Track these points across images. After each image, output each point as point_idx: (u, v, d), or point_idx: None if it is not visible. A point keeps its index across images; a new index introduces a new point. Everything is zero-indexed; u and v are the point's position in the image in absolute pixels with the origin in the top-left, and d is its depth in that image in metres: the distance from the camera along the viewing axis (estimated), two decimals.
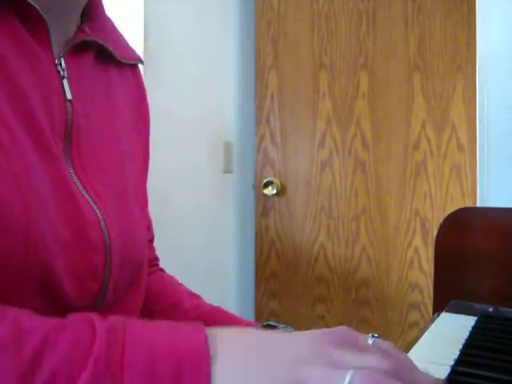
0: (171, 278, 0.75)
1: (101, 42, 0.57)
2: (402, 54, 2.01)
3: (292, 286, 2.15)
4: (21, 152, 0.45)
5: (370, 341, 0.53)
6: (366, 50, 2.06)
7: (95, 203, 0.51)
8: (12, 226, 0.42)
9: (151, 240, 0.74)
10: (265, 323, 0.64)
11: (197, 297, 0.71)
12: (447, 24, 1.95)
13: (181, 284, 0.74)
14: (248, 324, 0.65)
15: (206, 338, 0.38)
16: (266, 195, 2.16)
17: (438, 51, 1.97)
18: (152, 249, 0.75)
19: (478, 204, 1.88)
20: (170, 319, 0.66)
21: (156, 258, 0.76)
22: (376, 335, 0.54)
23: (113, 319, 0.39)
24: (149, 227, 0.71)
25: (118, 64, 0.63)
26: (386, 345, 0.53)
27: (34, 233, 0.44)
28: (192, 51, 2.00)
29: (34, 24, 0.49)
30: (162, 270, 0.76)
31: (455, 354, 0.67)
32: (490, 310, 0.88)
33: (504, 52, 1.79)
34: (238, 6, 2.27)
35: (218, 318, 0.67)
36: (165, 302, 0.68)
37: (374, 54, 2.05)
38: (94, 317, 0.39)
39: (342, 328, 0.55)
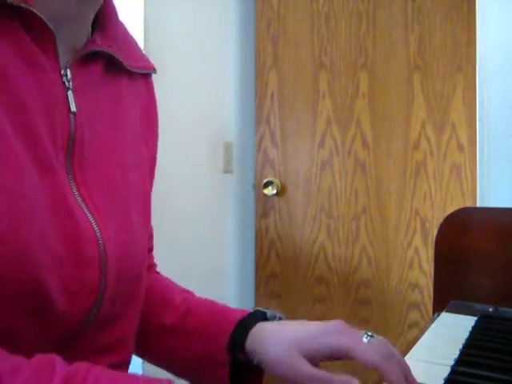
0: (164, 278, 0.75)
1: (111, 52, 0.56)
2: (401, 54, 2.01)
3: (292, 286, 2.15)
4: (16, 165, 0.44)
5: (365, 340, 0.54)
6: (366, 49, 2.06)
7: (94, 217, 0.51)
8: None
9: (150, 250, 0.74)
10: (254, 309, 0.64)
11: (187, 292, 0.71)
12: (447, 24, 1.95)
13: (173, 282, 0.74)
14: (237, 311, 0.65)
15: None
16: (265, 195, 2.16)
17: (438, 51, 1.97)
18: (151, 257, 0.75)
19: (478, 204, 1.88)
20: (161, 316, 0.66)
21: (154, 265, 0.76)
22: (370, 334, 0.54)
23: (76, 365, 0.39)
24: (149, 237, 0.71)
25: (130, 73, 0.61)
26: (381, 346, 0.54)
27: (22, 245, 0.43)
28: (192, 51, 2.00)
29: (40, 34, 0.48)
30: (157, 272, 0.76)
31: (455, 353, 0.67)
32: (490, 310, 0.88)
33: (504, 52, 1.79)
34: (238, 6, 2.27)
35: (206, 308, 0.67)
36: (155, 298, 0.68)
37: (374, 54, 2.05)
38: (57, 361, 0.39)
39: (338, 322, 0.56)
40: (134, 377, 0.41)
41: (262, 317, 0.62)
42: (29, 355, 0.46)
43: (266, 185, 2.15)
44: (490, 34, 1.82)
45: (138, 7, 1.72)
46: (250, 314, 0.63)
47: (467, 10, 1.90)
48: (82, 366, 0.39)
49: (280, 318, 0.64)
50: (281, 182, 2.16)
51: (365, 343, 0.53)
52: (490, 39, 1.82)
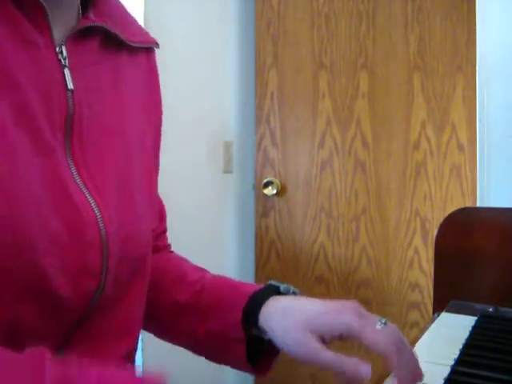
0: (179, 257, 0.73)
1: (106, 27, 0.54)
2: (402, 54, 2.01)
3: None
4: (9, 147, 0.43)
5: (378, 326, 0.52)
6: (366, 49, 2.06)
7: (94, 199, 0.50)
8: None
9: (164, 231, 0.72)
10: (268, 283, 0.63)
11: (202, 270, 0.70)
12: (447, 24, 1.95)
13: (187, 260, 0.72)
14: (250, 285, 0.64)
15: None
16: (266, 195, 2.16)
17: (438, 51, 1.96)
18: (165, 238, 0.74)
19: (478, 204, 1.88)
20: (174, 294, 0.65)
21: (168, 245, 0.75)
22: (384, 321, 0.53)
23: (66, 367, 0.38)
24: (162, 218, 0.70)
25: (131, 49, 0.60)
26: (394, 334, 0.53)
27: (20, 230, 0.43)
28: (192, 51, 2.00)
29: (32, 11, 0.47)
30: (171, 252, 0.75)
31: (455, 353, 0.67)
32: (490, 310, 0.88)
33: (504, 52, 1.79)
34: (237, 5, 2.27)
35: (219, 285, 0.66)
36: (169, 276, 0.67)
37: (374, 54, 2.05)
38: (47, 360, 0.37)
39: (352, 303, 0.55)
40: (129, 376, 0.40)
41: (275, 291, 0.61)
42: (36, 344, 0.45)
43: (266, 185, 2.15)
44: (490, 33, 1.82)
45: (138, 7, 1.72)
46: (263, 288, 0.62)
47: (467, 10, 1.90)
48: (72, 366, 0.38)
49: (294, 293, 0.62)
50: (281, 182, 2.16)
51: (377, 329, 0.52)
52: (490, 39, 1.82)
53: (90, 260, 0.49)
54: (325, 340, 0.53)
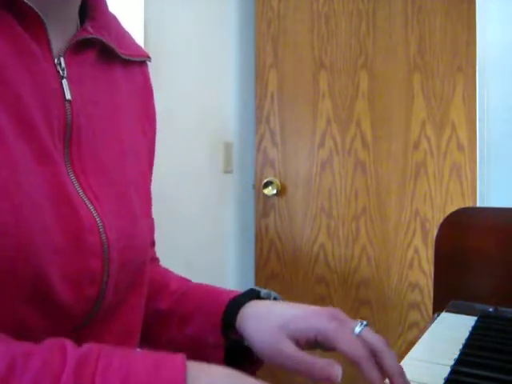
0: (164, 269, 0.74)
1: (103, 39, 0.56)
2: (401, 54, 2.01)
3: (292, 286, 2.15)
4: (10, 156, 0.44)
5: (358, 329, 0.52)
6: (366, 49, 2.06)
7: (94, 207, 0.50)
8: (2, 231, 0.41)
9: (152, 244, 0.73)
10: (249, 288, 0.63)
11: (186, 279, 0.70)
12: (447, 24, 1.95)
13: (172, 272, 0.73)
14: (231, 291, 0.64)
15: (184, 370, 0.38)
16: (266, 195, 2.16)
17: (438, 51, 1.96)
18: (152, 251, 0.74)
19: (478, 204, 1.88)
20: (156, 303, 0.66)
21: (156, 259, 0.75)
22: (365, 323, 0.53)
23: (87, 347, 0.39)
24: (151, 230, 0.70)
25: (125, 62, 0.61)
26: (373, 337, 0.52)
27: (25, 238, 0.43)
28: (192, 51, 2.00)
29: (31, 23, 0.48)
30: (159, 266, 0.75)
31: (455, 354, 0.67)
32: (490, 310, 0.88)
33: (504, 52, 1.79)
34: (237, 5, 2.27)
35: (201, 291, 0.66)
36: (152, 286, 0.67)
37: (374, 54, 2.05)
38: (68, 344, 0.39)
39: (333, 308, 0.55)
40: (146, 355, 0.40)
41: (256, 295, 0.62)
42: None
43: (266, 185, 2.15)
44: (490, 33, 1.82)
45: (137, 7, 1.72)
46: (244, 293, 0.62)
47: (467, 10, 1.90)
48: (92, 349, 0.39)
49: (275, 298, 0.62)
50: (281, 182, 2.16)
51: (352, 337, 0.51)
52: (490, 39, 1.82)
53: (91, 268, 0.49)
54: (300, 344, 0.53)
